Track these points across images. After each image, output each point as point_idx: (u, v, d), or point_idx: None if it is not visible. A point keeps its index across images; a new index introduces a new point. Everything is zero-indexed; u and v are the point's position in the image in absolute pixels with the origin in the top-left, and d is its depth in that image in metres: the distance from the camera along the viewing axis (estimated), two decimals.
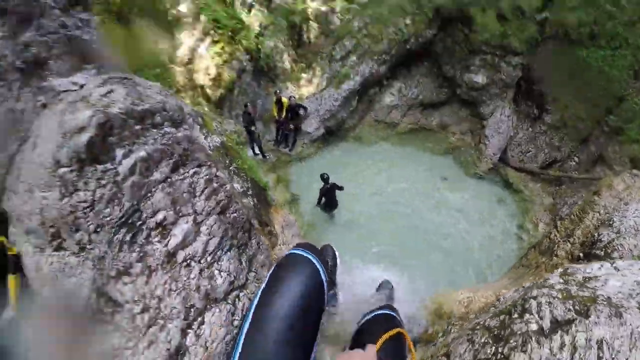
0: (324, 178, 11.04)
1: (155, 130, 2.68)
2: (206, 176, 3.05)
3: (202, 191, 2.95)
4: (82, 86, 2.79)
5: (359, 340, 2.39)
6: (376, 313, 2.58)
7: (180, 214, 2.69)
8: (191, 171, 2.94)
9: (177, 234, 2.61)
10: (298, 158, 14.01)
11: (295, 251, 2.30)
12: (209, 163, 3.15)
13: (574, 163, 14.40)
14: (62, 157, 2.19)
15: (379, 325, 2.44)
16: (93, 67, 3.27)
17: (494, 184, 14.67)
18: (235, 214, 3.29)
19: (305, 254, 2.25)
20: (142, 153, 2.47)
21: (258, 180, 9.58)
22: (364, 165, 14.40)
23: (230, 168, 8.28)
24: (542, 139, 14.78)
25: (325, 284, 2.23)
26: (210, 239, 2.84)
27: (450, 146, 15.91)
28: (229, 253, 3.00)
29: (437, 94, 16.22)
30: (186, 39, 12.58)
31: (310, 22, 15.84)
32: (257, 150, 12.70)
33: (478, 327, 2.66)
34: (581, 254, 8.60)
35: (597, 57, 13.93)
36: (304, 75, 14.78)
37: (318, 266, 2.21)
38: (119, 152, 2.35)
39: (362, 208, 12.63)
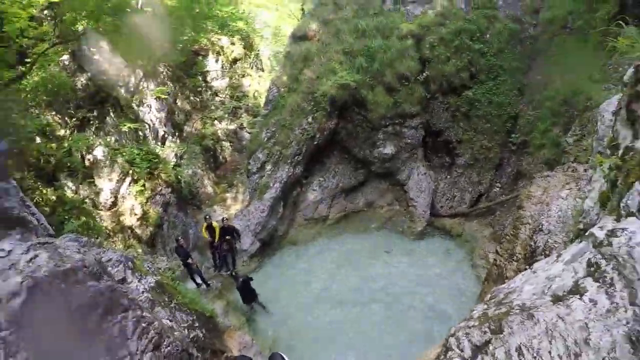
0: (234, 276, 12.89)
1: (79, 286, 3.41)
2: (134, 318, 3.80)
3: (133, 332, 3.66)
4: (9, 252, 3.38)
5: None
6: None
7: (117, 357, 3.34)
8: (119, 317, 3.67)
9: None
10: None
11: None
12: (133, 306, 3.99)
13: (497, 189, 16.80)
14: (1, 321, 2.73)
15: None
16: (17, 232, 3.90)
17: (435, 238, 16.66)
18: (169, 347, 4.15)
19: None
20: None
21: (203, 310, 10.54)
22: (307, 266, 15.68)
23: (171, 305, 9.05)
24: (462, 180, 17.33)
25: None
26: None
27: (383, 220, 17.89)
28: None
29: (354, 176, 18.43)
30: (106, 183, 13.97)
31: (222, 142, 18.40)
32: (198, 281, 13.66)
33: None
34: (527, 267, 10.01)
35: (482, 91, 17.04)
36: (227, 194, 16.67)
37: None
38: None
39: (320, 308, 13.57)
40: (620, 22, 5.41)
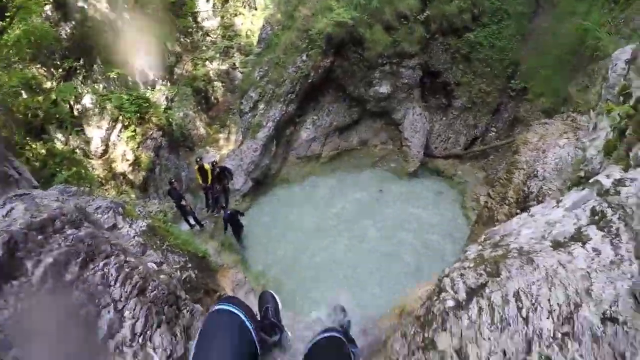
0: (222, 208, 13.32)
1: (57, 235, 3.28)
2: (116, 264, 3.61)
3: (116, 279, 3.48)
4: None
5: None
6: (320, 337, 2.53)
7: (100, 305, 3.16)
8: (101, 264, 3.49)
9: (102, 325, 3.01)
10: None
11: (218, 306, 2.42)
12: (116, 252, 3.78)
13: (493, 133, 16.76)
14: None
15: (324, 348, 2.48)
16: None
17: (428, 179, 16.78)
18: (155, 292, 3.93)
19: (227, 307, 2.39)
20: (50, 259, 3.01)
21: (196, 251, 10.69)
22: (299, 203, 15.95)
23: (163, 247, 9.15)
24: (457, 122, 17.21)
25: (252, 331, 2.36)
26: (136, 321, 3.36)
27: (376, 158, 17.95)
28: (159, 329, 3.54)
29: (349, 115, 18.27)
30: (96, 131, 13.79)
31: (214, 82, 18.01)
32: (192, 222, 13.82)
33: (410, 318, 2.99)
34: (519, 211, 9.59)
35: (484, 34, 16.56)
36: (220, 135, 16.58)
37: (241, 315, 2.32)
38: (29, 264, 2.86)
39: (312, 245, 13.99)
40: None
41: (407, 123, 17.42)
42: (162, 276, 5.06)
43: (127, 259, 3.89)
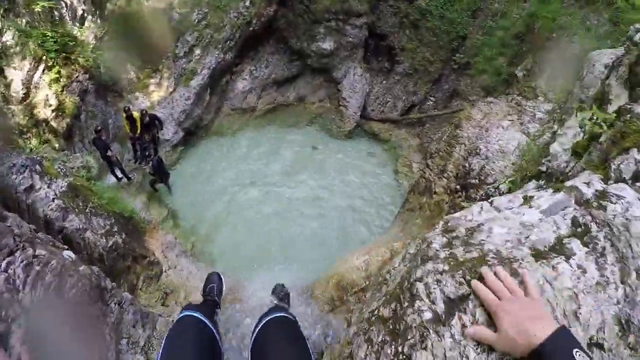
0: (152, 162, 13.00)
1: None
2: (22, 262, 3.15)
3: (25, 281, 3.03)
4: None
5: (260, 351, 2.43)
6: (268, 318, 2.61)
7: (10, 319, 2.70)
8: (3, 264, 3.02)
9: (15, 344, 2.65)
10: None
11: (184, 314, 2.58)
12: (22, 245, 3.33)
13: (431, 103, 17.01)
14: None
15: (276, 328, 2.54)
16: None
17: (362, 140, 16.99)
18: (74, 290, 3.54)
19: (192, 314, 2.57)
20: None
21: (122, 211, 10.18)
22: (231, 157, 15.74)
23: (86, 210, 8.66)
24: (397, 88, 17.27)
25: (218, 338, 2.55)
26: (67, 331, 3.00)
27: (312, 116, 17.84)
28: (84, 335, 3.25)
29: (288, 68, 17.80)
30: (17, 73, 12.48)
31: (149, 23, 16.87)
32: (119, 174, 13.18)
33: (373, 317, 2.63)
34: (458, 186, 10.13)
35: (436, 4, 16.36)
36: (151, 80, 15.53)
37: (199, 315, 2.55)
38: None
39: (242, 200, 13.99)
40: None
41: (346, 82, 17.27)
42: (81, 267, 4.65)
43: (37, 252, 3.43)
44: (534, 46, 13.06)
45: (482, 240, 2.24)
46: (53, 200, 8.07)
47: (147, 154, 14.23)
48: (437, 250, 2.33)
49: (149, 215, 12.50)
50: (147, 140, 14.23)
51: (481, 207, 2.72)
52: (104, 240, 8.41)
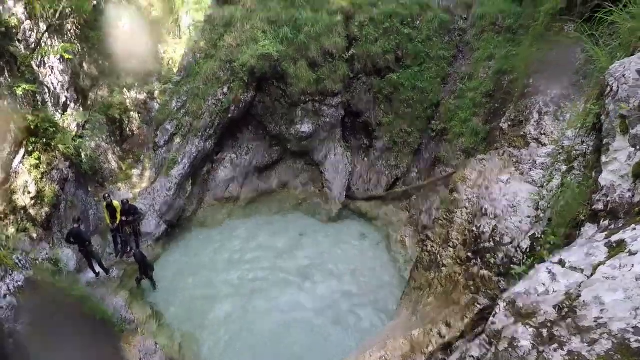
0: (134, 254, 12.63)
1: None
2: None
3: None
4: None
5: None
6: None
7: None
8: None
9: None
10: None
11: None
12: None
13: (415, 174, 17.05)
14: None
15: None
16: None
17: (351, 221, 16.81)
18: None
19: None
20: None
21: (94, 312, 9.48)
22: (217, 250, 15.25)
23: (48, 309, 7.89)
24: (379, 163, 17.44)
25: None
26: None
27: (297, 201, 17.73)
28: None
29: (269, 154, 18.00)
30: None
31: (130, 112, 16.93)
32: (97, 269, 12.77)
33: None
34: (469, 254, 9.54)
35: (407, 76, 17.05)
36: (134, 171, 15.67)
37: None
38: None
39: (229, 296, 13.32)
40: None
41: (328, 164, 17.42)
42: None
43: None
44: (507, 99, 13.45)
45: (598, 317, 1.60)
46: (5, 296, 7.32)
47: (128, 248, 13.97)
48: (530, 351, 1.67)
49: (130, 315, 11.89)
50: (128, 232, 13.98)
51: (549, 271, 2.21)
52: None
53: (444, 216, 11.60)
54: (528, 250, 8.20)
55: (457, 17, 17.71)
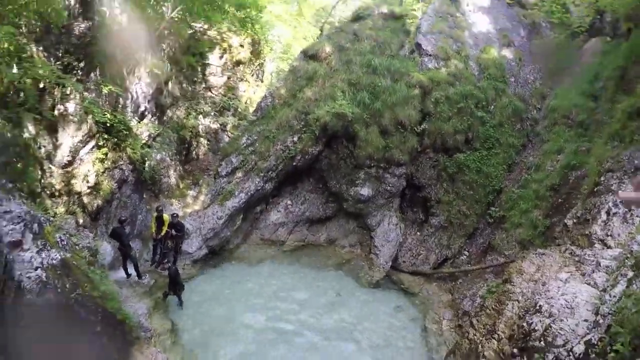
0: (169, 268, 12.46)
1: None
2: None
3: None
4: None
5: None
6: None
7: None
8: None
9: None
10: None
11: None
12: None
13: (464, 257, 16.41)
14: None
15: None
16: None
17: (390, 292, 15.96)
18: None
19: None
20: None
21: (115, 311, 9.10)
22: (251, 287, 14.82)
23: (72, 295, 7.55)
24: (431, 240, 16.89)
25: None
26: None
27: (341, 260, 17.21)
28: None
29: (323, 209, 17.89)
30: (68, 139, 12.81)
31: (200, 138, 17.74)
32: (131, 270, 12.84)
33: None
34: (515, 350, 8.94)
35: (474, 158, 16.96)
36: (190, 192, 16.05)
37: None
38: None
39: (252, 336, 12.73)
40: None
41: (380, 231, 17.03)
42: None
43: None
44: (573, 195, 13.04)
45: None
46: (36, 269, 7.10)
47: (165, 260, 13.93)
48: None
49: (149, 323, 11.61)
50: (170, 247, 14.05)
51: None
52: None
53: (493, 306, 10.91)
54: (581, 356, 7.53)
55: (530, 106, 17.95)
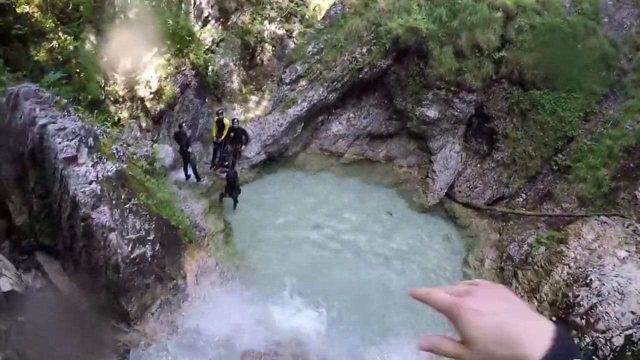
0: (228, 172, 12.80)
1: None
2: None
3: None
4: None
5: None
6: None
7: None
8: None
9: None
10: None
11: None
12: None
13: (521, 199, 15.86)
14: None
15: None
16: None
17: (440, 219, 15.94)
18: None
19: None
20: None
21: (169, 218, 9.45)
22: (305, 195, 15.23)
23: (126, 206, 7.79)
24: (490, 175, 16.35)
25: None
26: None
27: (397, 179, 17.08)
28: None
29: (386, 125, 17.40)
30: (130, 46, 12.78)
31: (265, 44, 17.11)
32: (190, 172, 13.19)
33: None
34: (553, 318, 8.75)
35: (550, 98, 15.72)
36: (252, 97, 15.85)
37: None
38: None
39: (302, 242, 13.36)
40: None
41: (440, 156, 16.59)
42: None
43: None
44: None
45: None
46: (91, 182, 7.31)
47: (225, 163, 14.14)
48: None
49: (204, 223, 12.17)
50: (229, 151, 14.21)
51: None
52: (129, 248, 7.61)
53: (542, 263, 10.60)
54: (618, 349, 7.25)
55: (621, 54, 16.17)
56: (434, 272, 13.66)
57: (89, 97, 11.49)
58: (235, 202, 13.47)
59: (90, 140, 7.28)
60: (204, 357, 8.41)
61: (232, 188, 12.98)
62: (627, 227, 9.88)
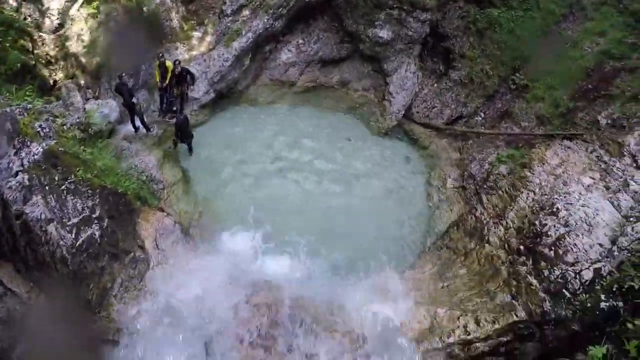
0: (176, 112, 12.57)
1: None
2: None
3: None
4: None
5: None
6: None
7: None
8: None
9: None
10: None
11: None
12: None
13: (480, 118, 15.83)
14: None
15: None
16: None
17: (399, 141, 15.99)
18: None
19: None
20: None
21: (114, 185, 8.86)
22: (260, 129, 14.94)
23: (62, 187, 7.21)
24: (448, 95, 16.17)
25: None
26: None
27: (353, 104, 16.80)
28: None
29: (338, 49, 16.70)
30: (54, 2, 12.11)
31: None
32: (138, 124, 12.59)
33: None
34: (521, 247, 8.92)
35: (508, 17, 15.39)
36: (195, 34, 14.85)
37: None
38: None
39: (261, 178, 13.21)
40: None
41: (396, 77, 16.23)
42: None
43: None
44: (602, 86, 12.12)
45: None
46: (16, 174, 6.69)
47: (173, 108, 13.55)
48: None
49: (160, 175, 11.81)
50: (176, 94, 13.60)
51: None
52: (72, 235, 7.15)
53: (507, 189, 10.66)
54: (587, 283, 7.43)
55: None
56: (396, 193, 13.84)
57: (12, 68, 10.55)
58: (190, 148, 13.12)
59: (8, 125, 6.54)
60: (180, 320, 8.38)
61: (184, 134, 12.55)
62: (591, 153, 10.02)
